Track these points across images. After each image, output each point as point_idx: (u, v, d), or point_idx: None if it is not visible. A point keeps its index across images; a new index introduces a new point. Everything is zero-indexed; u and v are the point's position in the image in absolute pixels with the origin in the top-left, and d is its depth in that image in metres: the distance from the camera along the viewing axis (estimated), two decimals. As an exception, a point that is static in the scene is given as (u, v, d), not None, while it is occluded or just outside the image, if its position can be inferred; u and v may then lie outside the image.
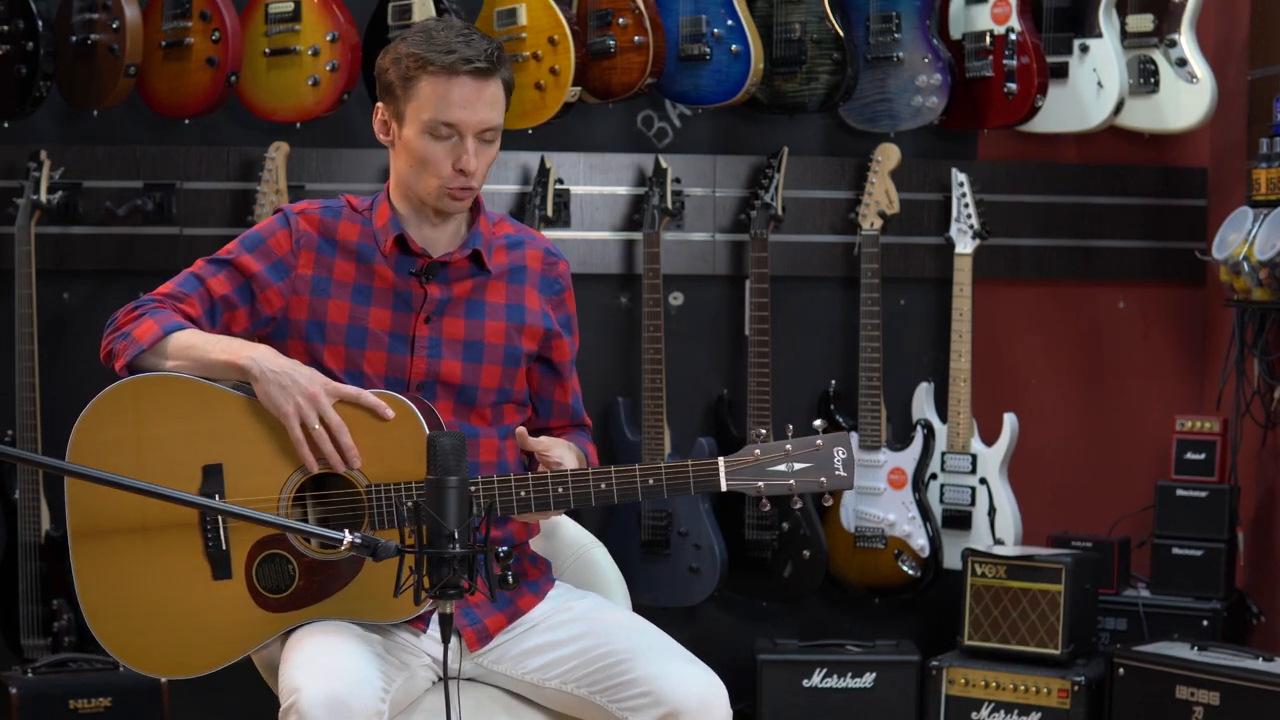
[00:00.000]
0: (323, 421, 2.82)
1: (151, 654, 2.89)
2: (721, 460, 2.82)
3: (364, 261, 2.99)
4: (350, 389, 2.84)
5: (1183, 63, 4.68)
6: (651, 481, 2.82)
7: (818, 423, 2.87)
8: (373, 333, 2.97)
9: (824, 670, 4.61)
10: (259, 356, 2.84)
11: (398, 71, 2.92)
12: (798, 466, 2.82)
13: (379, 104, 2.98)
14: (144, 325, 2.92)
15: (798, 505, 2.91)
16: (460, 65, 2.87)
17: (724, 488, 2.81)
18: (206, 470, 2.86)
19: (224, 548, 2.85)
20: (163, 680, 4.22)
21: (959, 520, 4.78)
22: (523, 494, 2.83)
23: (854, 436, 4.76)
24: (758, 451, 2.82)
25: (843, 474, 2.82)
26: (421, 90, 2.89)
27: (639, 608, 3.17)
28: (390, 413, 2.83)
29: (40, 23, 4.36)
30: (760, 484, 2.82)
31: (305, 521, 2.87)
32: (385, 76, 2.95)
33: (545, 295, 3.08)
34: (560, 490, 2.84)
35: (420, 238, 2.99)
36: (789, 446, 2.82)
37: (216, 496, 2.86)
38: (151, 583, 2.86)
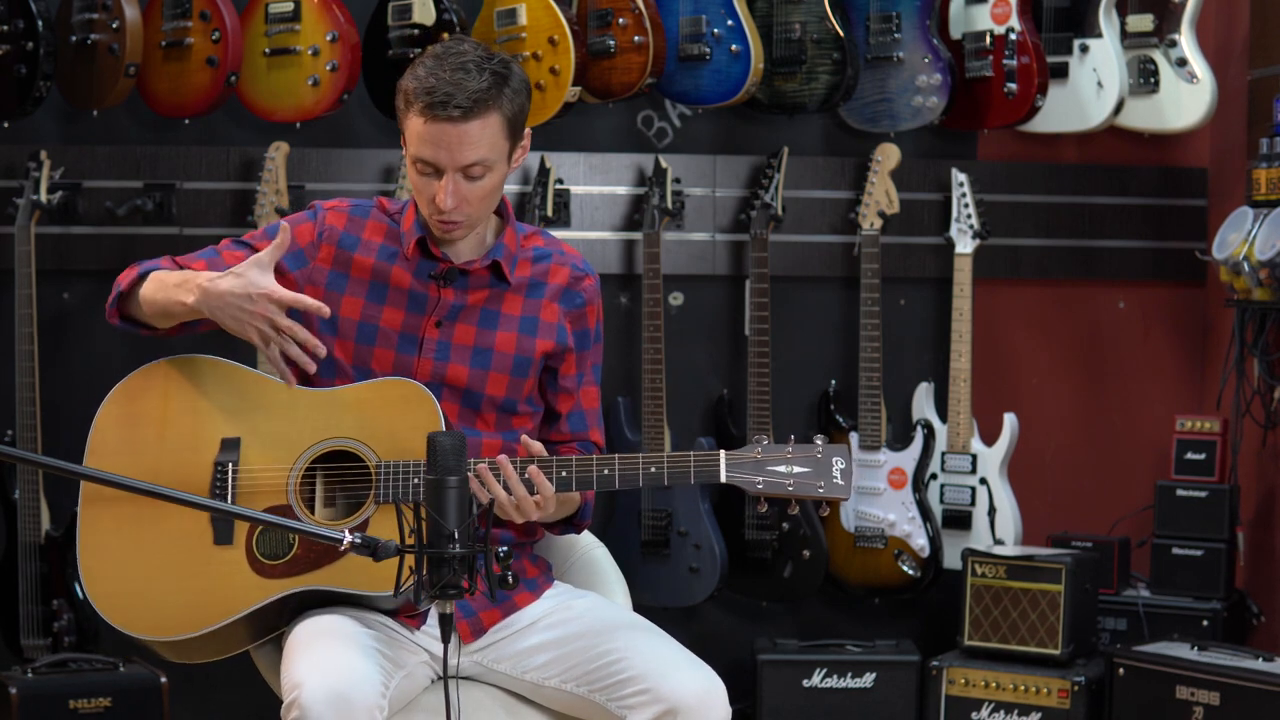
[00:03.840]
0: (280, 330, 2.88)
1: (139, 614, 2.91)
2: (723, 453, 2.86)
3: (384, 260, 3.01)
4: (290, 294, 2.88)
5: (1183, 63, 4.69)
6: (654, 469, 2.87)
7: (819, 437, 2.90)
8: (383, 331, 2.99)
9: (824, 670, 4.61)
10: (201, 296, 2.88)
11: (398, 101, 2.94)
12: (797, 470, 2.86)
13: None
14: (129, 275, 3.00)
15: (794, 511, 2.93)
16: (438, 110, 2.86)
17: (724, 479, 2.85)
18: (225, 442, 2.94)
19: None
20: (163, 680, 4.22)
21: (959, 520, 4.78)
22: (525, 477, 2.85)
23: (854, 436, 4.76)
24: (759, 451, 2.86)
25: (840, 483, 2.86)
26: (409, 125, 2.91)
27: (639, 608, 3.17)
28: (326, 310, 2.88)
29: (40, 23, 4.36)
30: (759, 482, 2.85)
31: (314, 492, 2.94)
32: (395, 101, 2.97)
33: (565, 308, 3.08)
34: (564, 474, 2.87)
35: (443, 246, 3.01)
36: (790, 450, 2.86)
37: (231, 466, 2.92)
38: (153, 546, 2.91)
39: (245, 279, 2.87)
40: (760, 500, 2.87)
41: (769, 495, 2.86)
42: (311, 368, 2.92)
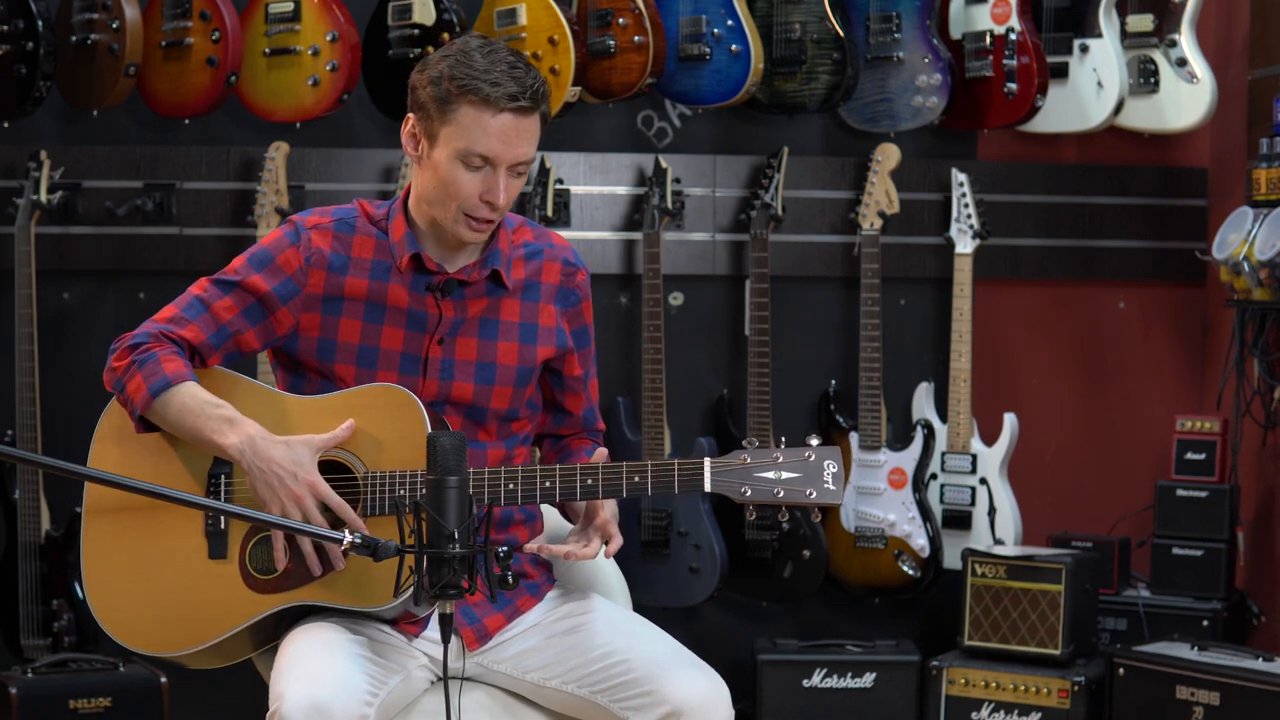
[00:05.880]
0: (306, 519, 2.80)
1: (140, 630, 2.91)
2: (708, 461, 2.79)
3: (378, 278, 2.94)
4: (336, 499, 2.80)
5: (1183, 63, 4.68)
6: (637, 479, 2.81)
7: (813, 438, 2.82)
8: (384, 352, 2.94)
9: (824, 670, 4.61)
10: (246, 447, 2.81)
11: (436, 91, 2.83)
12: (786, 476, 2.77)
13: (410, 115, 2.90)
14: (135, 382, 2.87)
15: (784, 519, 2.88)
16: (505, 101, 2.80)
17: (708, 488, 2.78)
18: None
19: (222, 527, 2.88)
20: (163, 680, 4.23)
21: (959, 520, 4.78)
22: (511, 486, 2.83)
23: (854, 436, 4.76)
24: (746, 456, 2.78)
25: (831, 488, 2.77)
26: (460, 117, 2.81)
27: (639, 608, 3.17)
28: (363, 526, 2.81)
29: (40, 23, 4.36)
30: (746, 489, 2.77)
31: None
32: (421, 93, 2.86)
33: (561, 308, 3.04)
34: (548, 484, 2.83)
35: (437, 254, 2.95)
36: (778, 455, 2.78)
37: (223, 477, 2.90)
38: (151, 559, 2.90)
39: (295, 455, 2.80)
40: (749, 508, 2.82)
41: (757, 503, 2.78)
42: (316, 570, 2.83)
